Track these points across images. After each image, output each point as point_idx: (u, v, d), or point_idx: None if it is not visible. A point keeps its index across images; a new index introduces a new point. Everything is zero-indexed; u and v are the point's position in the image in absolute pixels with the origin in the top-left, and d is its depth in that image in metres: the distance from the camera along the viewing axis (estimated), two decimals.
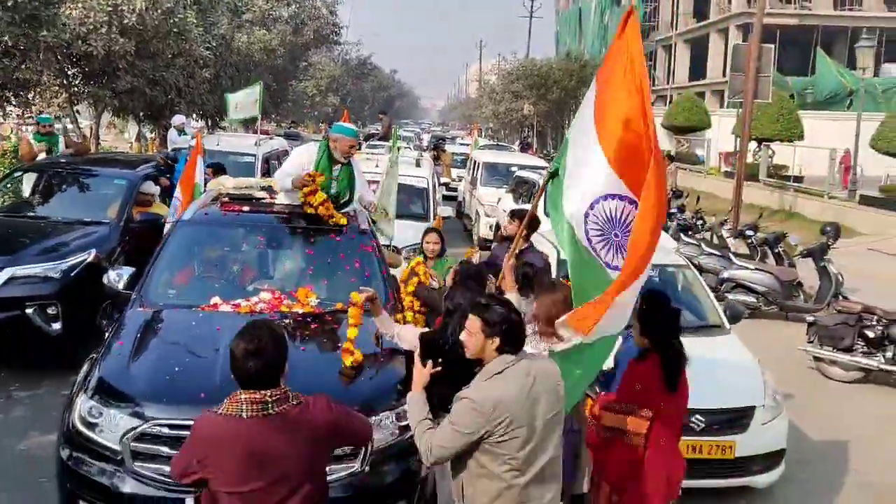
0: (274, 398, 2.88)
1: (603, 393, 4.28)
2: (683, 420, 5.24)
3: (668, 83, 49.48)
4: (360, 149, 14.11)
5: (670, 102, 37.75)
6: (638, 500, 4.03)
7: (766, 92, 16.47)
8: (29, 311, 6.92)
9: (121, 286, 5.37)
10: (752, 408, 5.57)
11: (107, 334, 4.91)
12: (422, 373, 3.48)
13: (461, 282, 4.54)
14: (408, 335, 4.21)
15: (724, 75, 35.16)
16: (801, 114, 24.88)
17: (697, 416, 5.35)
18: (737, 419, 5.52)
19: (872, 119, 21.53)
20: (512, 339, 3.31)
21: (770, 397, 5.71)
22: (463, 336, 3.41)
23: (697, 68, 46.14)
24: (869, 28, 30.53)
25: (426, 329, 4.18)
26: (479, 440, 3.20)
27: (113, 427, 3.97)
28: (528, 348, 3.96)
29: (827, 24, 40.03)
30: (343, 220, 5.90)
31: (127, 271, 5.44)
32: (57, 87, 15.31)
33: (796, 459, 6.15)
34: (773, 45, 17.81)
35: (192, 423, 3.18)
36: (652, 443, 4.03)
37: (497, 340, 3.29)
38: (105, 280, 5.44)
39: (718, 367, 5.84)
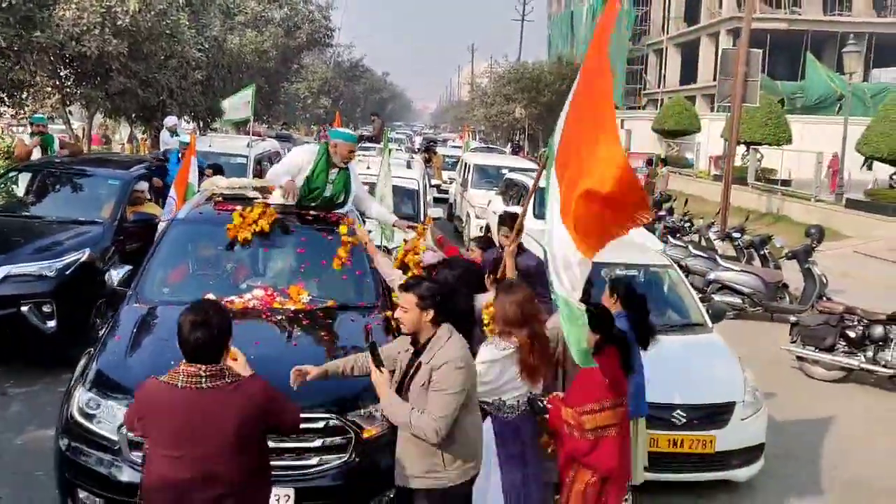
0: (208, 374, 3.05)
1: (554, 395, 4.38)
2: (664, 415, 5.43)
3: (659, 87, 49.79)
4: None
5: (661, 106, 38.00)
6: (618, 483, 4.20)
7: (753, 96, 16.70)
8: (24, 309, 7.00)
9: (115, 283, 5.49)
10: (732, 403, 5.72)
11: (103, 330, 5.02)
12: (381, 377, 3.68)
13: (441, 262, 4.75)
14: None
15: (714, 79, 35.48)
16: (790, 118, 25.15)
17: (679, 412, 5.50)
18: (717, 414, 5.67)
19: (860, 123, 21.78)
20: (445, 310, 3.66)
21: (750, 394, 5.86)
22: (398, 313, 3.70)
23: (688, 72, 46.46)
24: (858, 33, 30.92)
25: None
26: (466, 396, 3.55)
27: (110, 418, 4.09)
28: (494, 348, 4.11)
29: (816, 28, 40.40)
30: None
31: (125, 269, 5.56)
32: (50, 88, 15.36)
33: (776, 454, 6.31)
34: (761, 50, 18.03)
35: None
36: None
37: (431, 312, 3.63)
38: (106, 278, 5.56)
39: (700, 363, 6.02)
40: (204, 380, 3.04)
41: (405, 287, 3.76)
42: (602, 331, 4.15)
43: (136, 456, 3.97)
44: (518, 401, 4.15)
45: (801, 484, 6.24)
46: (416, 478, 3.66)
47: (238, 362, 3.31)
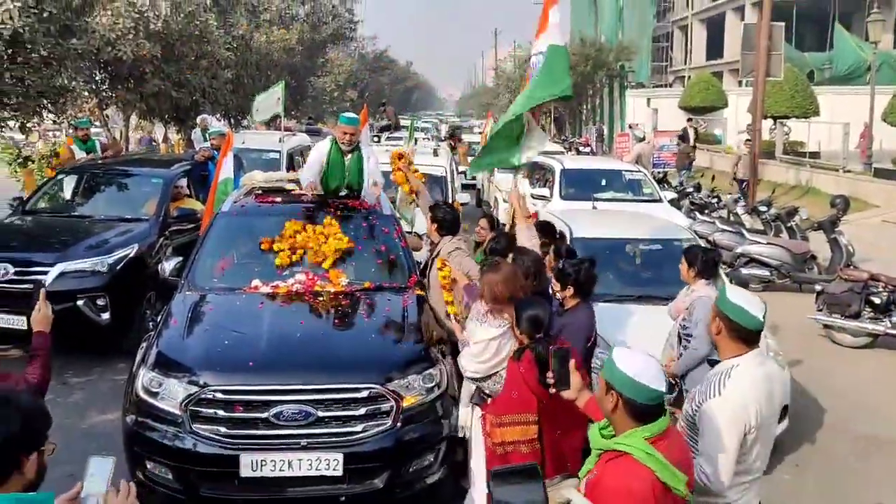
0: None
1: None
2: None
3: (685, 64, 49.36)
4: (379, 140, 14.52)
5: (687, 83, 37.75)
6: None
7: (777, 69, 16.64)
8: (80, 302, 7.43)
9: (168, 274, 5.88)
10: None
11: (160, 316, 5.40)
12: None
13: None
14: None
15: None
16: (818, 90, 24.91)
17: None
18: None
19: (890, 92, 21.51)
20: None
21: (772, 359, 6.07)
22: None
23: (715, 48, 45.96)
24: (884, 1, 30.36)
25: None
26: None
27: (173, 395, 4.45)
28: (489, 326, 4.10)
29: None
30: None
31: (177, 261, 5.96)
32: (87, 93, 15.90)
33: (798, 413, 6.57)
34: (783, 23, 17.92)
35: (242, 388, 3.78)
36: None
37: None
38: (159, 269, 5.96)
39: None
40: None
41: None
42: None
43: (199, 428, 4.34)
44: None
45: (818, 438, 6.47)
46: None
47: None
